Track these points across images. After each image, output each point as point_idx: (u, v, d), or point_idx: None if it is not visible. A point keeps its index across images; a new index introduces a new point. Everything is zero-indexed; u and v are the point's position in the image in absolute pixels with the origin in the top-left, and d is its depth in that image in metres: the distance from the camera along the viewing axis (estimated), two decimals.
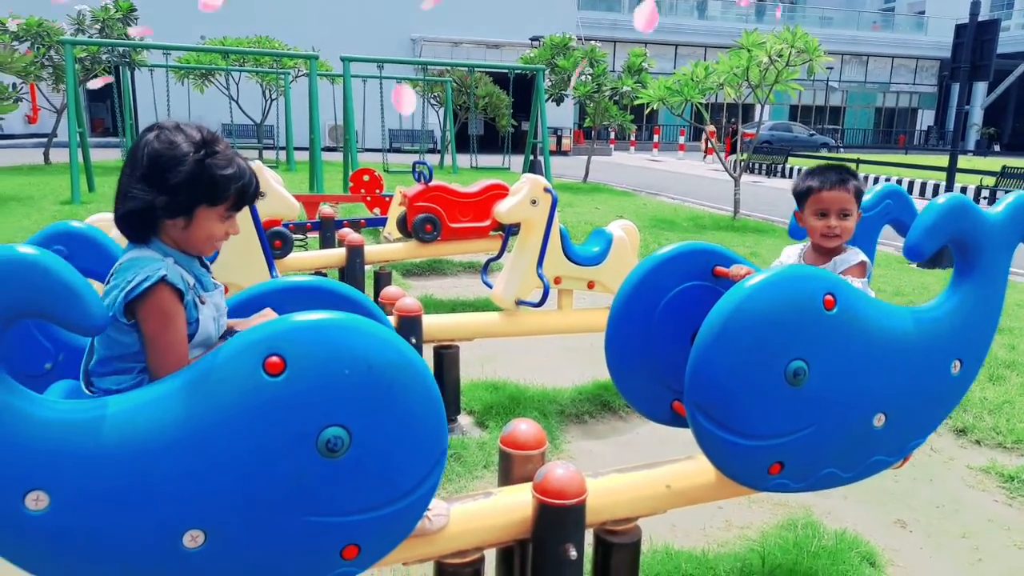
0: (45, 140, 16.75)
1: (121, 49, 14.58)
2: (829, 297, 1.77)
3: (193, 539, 1.34)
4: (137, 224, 1.46)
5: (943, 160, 11.33)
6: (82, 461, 1.27)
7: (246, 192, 1.52)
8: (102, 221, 2.91)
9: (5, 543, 1.30)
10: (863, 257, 2.12)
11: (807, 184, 2.14)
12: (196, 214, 1.47)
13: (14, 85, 12.38)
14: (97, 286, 1.66)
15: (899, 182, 16.81)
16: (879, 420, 1.90)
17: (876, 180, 16.78)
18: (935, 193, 15.76)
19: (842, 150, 32.08)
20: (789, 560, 2.46)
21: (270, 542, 1.38)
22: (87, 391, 1.49)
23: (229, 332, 1.60)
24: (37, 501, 1.26)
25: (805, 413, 1.80)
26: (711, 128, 15.54)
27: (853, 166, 18.25)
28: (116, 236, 1.69)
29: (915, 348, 1.92)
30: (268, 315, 1.69)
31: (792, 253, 2.26)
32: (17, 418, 1.26)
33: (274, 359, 1.33)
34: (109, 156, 17.50)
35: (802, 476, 1.88)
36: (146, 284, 1.38)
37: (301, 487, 1.38)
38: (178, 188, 1.42)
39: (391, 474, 1.45)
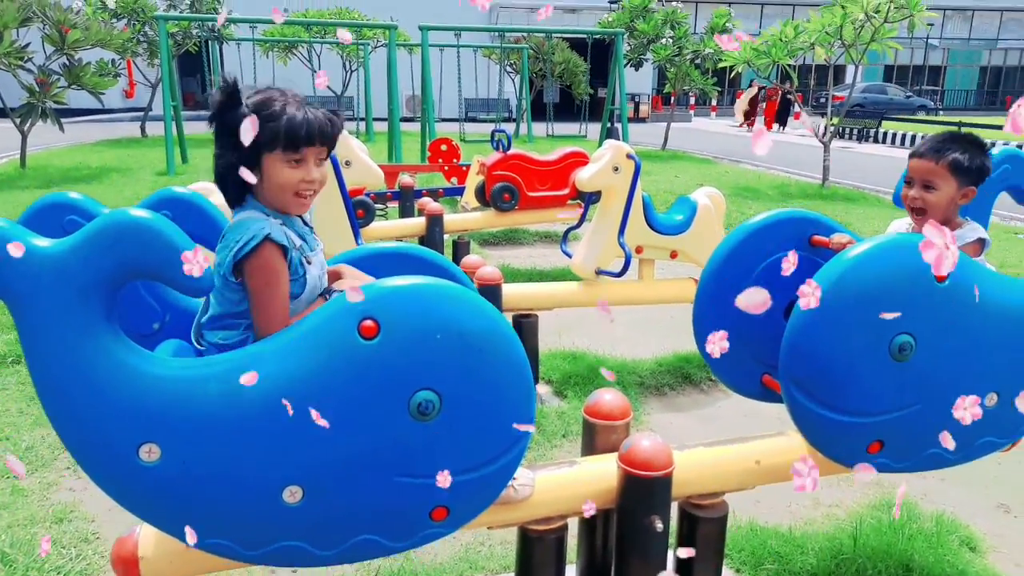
0: (141, 114, 17.55)
1: (210, 24, 15.07)
2: None
3: (292, 494, 1.39)
4: (231, 187, 1.52)
5: None
6: (190, 416, 1.33)
7: (292, 131, 1.46)
8: (204, 188, 3.04)
9: (121, 491, 1.39)
10: (982, 234, 1.98)
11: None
12: (263, 164, 1.49)
13: (113, 61, 12.99)
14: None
15: (1007, 147, 15.67)
16: (991, 399, 1.79)
17: (992, 145, 15.65)
18: None
19: (941, 112, 30.12)
20: (883, 542, 2.36)
21: (364, 500, 1.42)
22: (197, 344, 1.57)
23: (328, 292, 1.64)
24: (150, 453, 1.33)
25: (910, 390, 1.70)
26: (748, 92, 14.46)
27: (955, 129, 17.11)
28: (218, 202, 1.75)
29: None
30: (363, 278, 1.72)
31: (901, 225, 2.13)
32: (133, 374, 1.32)
33: (368, 323, 1.35)
34: (201, 129, 18.21)
35: (903, 456, 1.79)
36: (253, 243, 1.43)
37: (394, 449, 1.41)
38: (236, 141, 1.42)
39: (480, 439, 1.46)
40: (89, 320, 1.29)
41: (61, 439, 1.34)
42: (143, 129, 16.89)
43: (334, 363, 1.36)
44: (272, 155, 1.48)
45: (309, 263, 1.56)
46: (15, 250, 1.20)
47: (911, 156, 2.02)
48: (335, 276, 1.73)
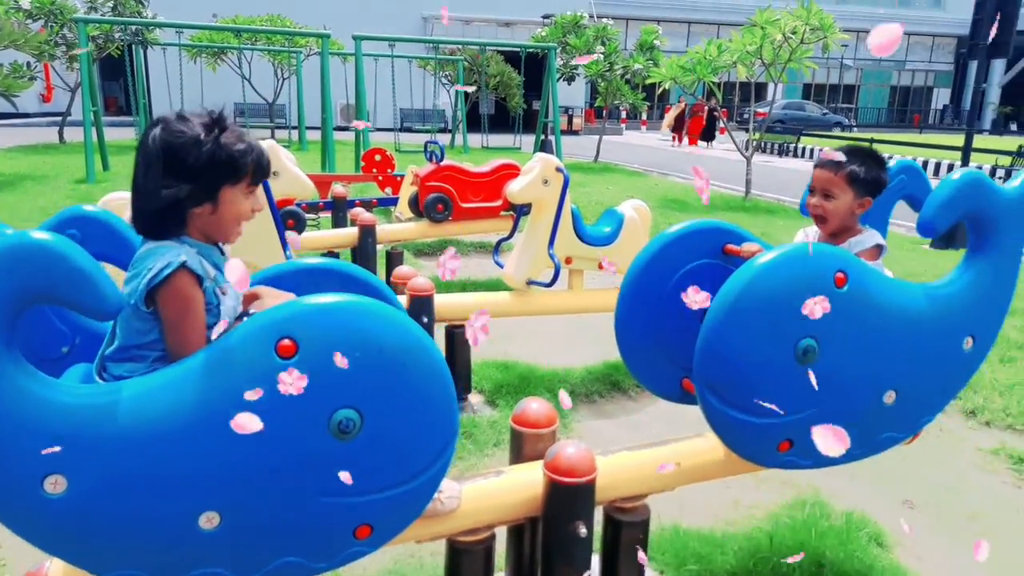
0: (59, 119, 16.80)
1: (134, 27, 14.57)
2: (840, 274, 1.77)
3: (209, 520, 1.36)
4: (165, 221, 1.47)
5: (958, 139, 11.26)
6: (99, 445, 1.29)
7: (262, 164, 1.55)
8: (115, 201, 2.93)
9: (24, 525, 1.33)
10: (879, 240, 2.11)
11: None
12: (221, 196, 1.48)
13: (28, 64, 12.41)
14: (111, 270, 1.67)
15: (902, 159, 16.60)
16: (890, 397, 1.90)
17: (890, 158, 16.55)
18: (950, 172, 15.53)
19: (855, 129, 31.69)
20: (797, 540, 2.48)
21: (285, 523, 1.40)
22: (99, 378, 1.51)
23: (245, 314, 1.62)
24: (55, 484, 1.28)
25: (815, 391, 1.81)
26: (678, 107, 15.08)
27: (867, 145, 18.02)
28: (129, 217, 1.70)
29: (927, 325, 1.92)
30: (284, 297, 1.71)
31: (809, 232, 2.26)
32: (35, 403, 1.27)
33: (286, 342, 1.34)
34: (123, 135, 17.55)
35: (811, 453, 1.88)
36: (167, 271, 1.39)
37: (314, 469, 1.39)
38: (201, 172, 1.44)
39: (403, 455, 1.46)
40: None
41: None
42: (61, 135, 16.15)
43: (251, 384, 1.33)
44: (235, 187, 1.50)
45: (224, 293, 1.54)
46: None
47: (815, 166, 2.16)
48: (252, 298, 1.69)
